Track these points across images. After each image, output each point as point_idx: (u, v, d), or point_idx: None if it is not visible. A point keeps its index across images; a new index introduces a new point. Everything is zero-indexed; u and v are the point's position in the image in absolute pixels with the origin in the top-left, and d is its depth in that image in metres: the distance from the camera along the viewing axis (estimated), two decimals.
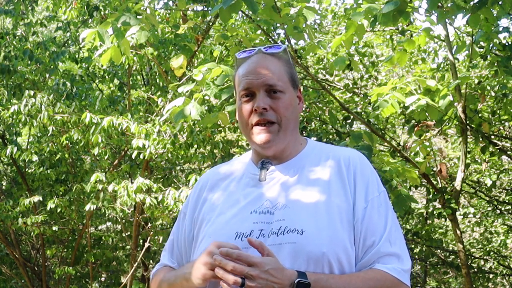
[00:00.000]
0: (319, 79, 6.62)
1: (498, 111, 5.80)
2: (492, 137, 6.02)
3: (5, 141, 7.03)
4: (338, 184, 1.58)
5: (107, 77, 7.16)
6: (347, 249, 1.51)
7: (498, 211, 7.92)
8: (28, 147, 6.38)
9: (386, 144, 6.22)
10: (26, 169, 7.08)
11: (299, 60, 5.32)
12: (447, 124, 5.29)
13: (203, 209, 1.66)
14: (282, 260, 1.46)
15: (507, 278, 8.77)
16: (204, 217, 1.64)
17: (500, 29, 4.90)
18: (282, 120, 1.59)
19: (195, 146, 5.88)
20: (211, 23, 6.31)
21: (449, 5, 3.89)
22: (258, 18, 4.34)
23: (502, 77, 4.77)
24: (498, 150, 5.83)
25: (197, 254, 1.59)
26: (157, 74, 6.89)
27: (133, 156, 5.57)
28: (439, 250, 8.25)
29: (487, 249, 8.28)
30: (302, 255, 1.47)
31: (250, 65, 1.63)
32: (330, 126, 6.86)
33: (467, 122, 5.10)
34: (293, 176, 1.61)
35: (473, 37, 4.91)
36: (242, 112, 1.63)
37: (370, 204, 1.57)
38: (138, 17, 3.81)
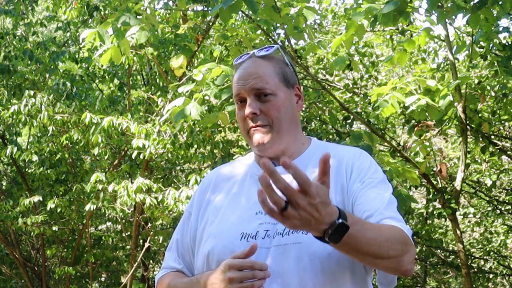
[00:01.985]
0: (319, 79, 6.62)
1: (498, 111, 5.80)
2: (492, 137, 6.02)
3: (5, 141, 7.03)
4: (338, 181, 1.57)
5: (107, 77, 7.16)
6: None
7: (498, 211, 7.91)
8: (28, 147, 6.38)
9: (386, 144, 6.21)
10: (26, 169, 7.08)
11: (299, 60, 5.33)
12: (447, 124, 5.29)
13: (208, 210, 1.66)
14: (287, 260, 1.46)
15: (507, 278, 8.78)
16: (209, 217, 1.64)
17: (500, 29, 4.90)
18: (274, 122, 1.59)
19: (195, 146, 5.88)
20: (211, 23, 6.31)
21: (449, 5, 3.89)
22: (258, 18, 4.34)
23: (502, 77, 4.76)
24: (498, 150, 5.83)
25: (201, 254, 1.60)
26: (157, 74, 6.89)
27: (133, 156, 5.57)
28: (439, 250, 8.24)
29: (487, 249, 8.28)
30: (308, 255, 1.47)
31: (240, 71, 1.64)
32: (330, 126, 6.86)
33: (467, 122, 5.10)
34: None
35: (473, 37, 4.91)
36: (238, 117, 1.66)
37: (365, 184, 1.54)
38: (138, 17, 3.81)
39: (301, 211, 1.23)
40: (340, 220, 1.27)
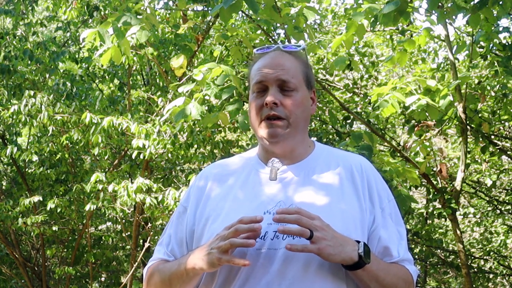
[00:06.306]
0: (319, 79, 6.62)
1: (498, 111, 5.80)
2: (492, 137, 6.01)
3: (5, 141, 7.03)
4: (351, 190, 1.58)
5: (107, 77, 7.15)
6: None
7: (498, 211, 7.92)
8: (28, 147, 6.38)
9: (386, 144, 6.21)
10: (26, 169, 7.08)
11: None
12: (447, 124, 5.29)
13: (208, 205, 1.61)
14: (297, 264, 1.46)
15: (507, 278, 8.77)
16: (210, 213, 1.59)
17: (500, 29, 4.89)
18: (292, 117, 1.57)
19: (195, 146, 5.88)
20: (211, 23, 6.31)
21: (449, 5, 3.89)
22: (258, 18, 4.34)
23: (502, 77, 4.76)
24: (498, 150, 5.82)
25: None
26: (157, 74, 6.89)
27: (133, 156, 5.56)
28: (439, 250, 8.25)
29: (487, 249, 8.27)
30: (318, 259, 1.46)
31: (266, 60, 1.62)
32: (330, 126, 6.87)
33: (467, 122, 5.10)
34: (304, 178, 1.58)
35: (473, 37, 4.91)
36: (253, 105, 1.61)
37: (384, 212, 1.59)
38: (138, 17, 3.80)
39: (323, 232, 1.40)
40: (362, 242, 1.45)
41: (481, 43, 5.18)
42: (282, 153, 1.60)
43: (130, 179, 6.42)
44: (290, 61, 1.61)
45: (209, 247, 1.46)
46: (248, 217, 1.43)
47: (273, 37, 5.01)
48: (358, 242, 1.46)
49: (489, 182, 6.58)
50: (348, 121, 6.46)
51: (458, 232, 5.26)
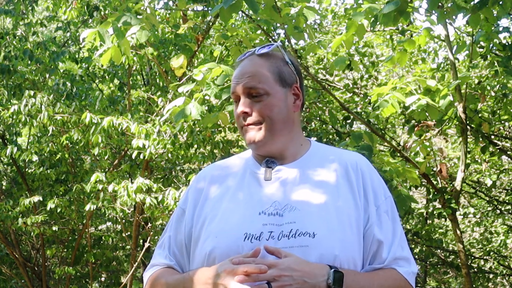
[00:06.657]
0: (319, 79, 6.62)
1: (498, 111, 5.80)
2: (492, 137, 6.02)
3: (5, 141, 7.03)
4: (346, 188, 1.58)
5: (107, 77, 7.16)
6: (357, 252, 1.53)
7: (498, 211, 7.92)
8: (28, 147, 6.39)
9: (386, 144, 6.22)
10: (26, 169, 7.08)
11: (299, 60, 5.33)
12: (447, 124, 5.29)
13: (205, 207, 1.62)
14: None
15: (507, 278, 8.78)
16: (207, 215, 1.60)
17: (500, 29, 4.90)
18: (265, 121, 1.58)
19: (195, 146, 5.88)
20: (211, 23, 6.31)
21: (449, 5, 3.89)
22: (258, 18, 4.33)
23: (502, 77, 4.77)
24: (498, 150, 5.83)
25: (199, 253, 1.56)
26: (157, 74, 6.89)
27: (133, 156, 5.57)
28: (439, 250, 8.26)
29: (487, 249, 8.28)
30: (315, 258, 1.46)
31: (237, 69, 1.65)
32: (330, 126, 6.87)
33: (467, 122, 5.10)
34: (299, 177, 1.59)
35: (473, 37, 4.91)
36: (234, 115, 1.66)
37: (379, 210, 1.58)
38: (138, 17, 3.81)
39: (283, 278, 1.38)
40: (334, 269, 1.42)
41: (481, 43, 5.18)
42: (271, 155, 1.62)
43: (130, 179, 6.42)
44: (259, 65, 1.61)
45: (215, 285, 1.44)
46: (253, 268, 1.40)
47: (273, 37, 5.01)
48: (331, 267, 1.43)
49: (489, 182, 6.59)
50: (348, 121, 6.46)
51: (458, 232, 5.26)
